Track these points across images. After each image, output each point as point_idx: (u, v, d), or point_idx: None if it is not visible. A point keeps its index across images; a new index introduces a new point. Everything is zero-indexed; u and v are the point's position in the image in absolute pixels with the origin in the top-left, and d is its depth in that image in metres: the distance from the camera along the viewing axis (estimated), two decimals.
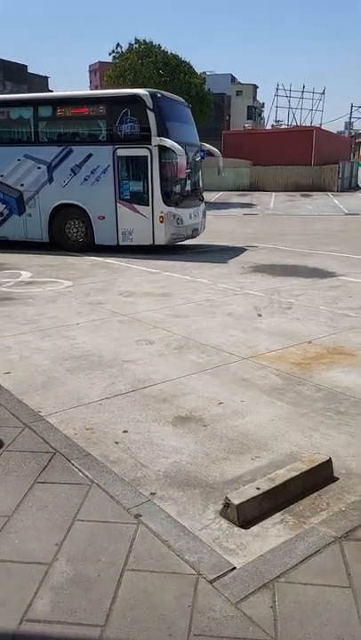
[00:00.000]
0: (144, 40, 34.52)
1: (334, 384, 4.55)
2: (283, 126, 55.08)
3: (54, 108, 11.81)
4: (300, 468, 2.98)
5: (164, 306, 7.14)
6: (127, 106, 11.03)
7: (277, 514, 2.77)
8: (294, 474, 2.92)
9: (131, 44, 34.66)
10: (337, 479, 3.12)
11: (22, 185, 12.00)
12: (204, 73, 37.17)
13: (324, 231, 17.06)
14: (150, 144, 10.85)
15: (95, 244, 11.70)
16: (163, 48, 34.17)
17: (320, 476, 3.06)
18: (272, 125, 59.89)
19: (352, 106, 71.61)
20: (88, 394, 4.30)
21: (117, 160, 11.21)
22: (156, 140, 10.83)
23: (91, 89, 57.63)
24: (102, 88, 38.03)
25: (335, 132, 53.13)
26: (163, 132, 10.88)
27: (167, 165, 11.12)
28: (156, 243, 11.39)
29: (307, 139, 36.52)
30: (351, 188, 35.75)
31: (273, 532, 2.63)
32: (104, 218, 11.55)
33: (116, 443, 3.51)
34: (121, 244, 11.58)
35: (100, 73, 48.87)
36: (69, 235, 11.99)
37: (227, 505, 2.73)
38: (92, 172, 11.45)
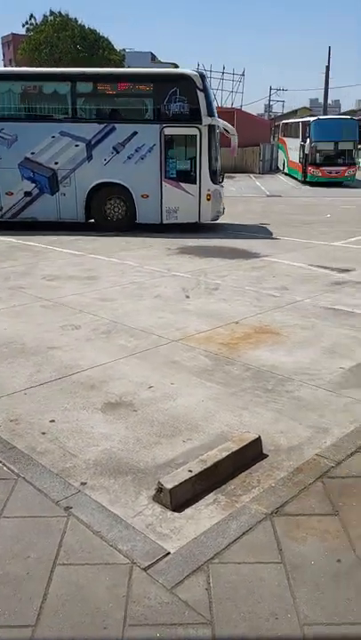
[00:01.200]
0: (59, 12, 33.20)
1: (261, 363, 4.63)
2: None
3: (96, 84, 11.38)
4: (230, 448, 3.00)
5: (91, 289, 6.97)
6: (176, 85, 10.97)
7: (210, 494, 2.78)
8: (225, 454, 2.94)
9: (45, 16, 33.23)
10: (266, 456, 3.18)
11: (56, 163, 11.33)
12: (124, 50, 36.38)
13: (247, 212, 17.31)
14: (200, 124, 10.96)
15: (136, 223, 11.59)
16: (80, 22, 33.04)
17: (250, 455, 3.10)
18: None
19: (271, 88, 72.72)
20: (11, 383, 4.11)
21: (164, 139, 11.15)
22: (207, 120, 11.01)
23: (5, 64, 54.77)
24: (17, 62, 36.27)
25: (256, 114, 53.97)
26: (210, 111, 11.08)
27: (213, 144, 11.35)
28: (202, 220, 11.58)
29: (228, 120, 36.42)
30: (272, 170, 36.54)
31: (206, 514, 2.63)
32: (148, 196, 11.40)
33: (43, 433, 3.38)
34: (165, 222, 11.56)
35: (14, 46, 46.52)
36: (109, 214, 11.70)
37: (159, 490, 2.71)
38: (136, 151, 11.20)
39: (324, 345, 5.09)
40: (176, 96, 10.99)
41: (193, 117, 10.97)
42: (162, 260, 9.02)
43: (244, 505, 2.61)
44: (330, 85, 37.23)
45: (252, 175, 32.49)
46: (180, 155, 11.41)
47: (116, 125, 11.20)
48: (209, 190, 11.39)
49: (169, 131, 11.14)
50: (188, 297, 6.69)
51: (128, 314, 5.92)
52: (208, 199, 11.42)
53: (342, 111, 46.69)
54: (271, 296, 6.79)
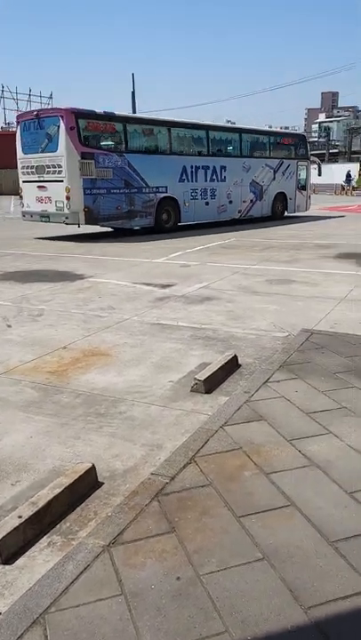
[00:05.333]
0: None
1: (92, 386, 4.56)
2: (14, 129, 53.74)
3: (276, 140, 20.61)
4: (63, 484, 2.86)
5: None
6: (300, 140, 22.05)
7: (44, 537, 2.62)
8: (58, 491, 2.79)
9: None
10: (102, 484, 3.11)
11: (263, 182, 19.61)
12: None
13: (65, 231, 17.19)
14: (308, 160, 22.04)
15: (285, 215, 20.90)
16: None
17: (85, 486, 3.00)
18: (2, 127, 58.18)
19: None
20: None
21: (297, 168, 20.97)
22: (311, 158, 22.91)
23: None
24: None
25: None
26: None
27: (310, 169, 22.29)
28: (306, 210, 22.16)
29: None
30: None
31: (41, 559, 2.47)
32: (291, 198, 21.04)
33: None
34: (294, 214, 21.44)
35: None
36: (277, 210, 20.57)
37: None
38: (289, 174, 20.62)
39: (154, 360, 5.21)
40: (301, 146, 21.52)
41: (305, 157, 21.74)
42: None
43: (80, 542, 2.49)
44: (140, 110, 39.01)
45: None
46: (300, 175, 21.19)
47: (283, 161, 20.29)
48: (309, 194, 22.42)
49: (299, 163, 21.09)
50: (9, 326, 6.34)
51: None
52: (309, 198, 22.40)
53: None
54: (99, 317, 6.76)
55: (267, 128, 21.81)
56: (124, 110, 19.12)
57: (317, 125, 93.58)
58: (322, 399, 4.04)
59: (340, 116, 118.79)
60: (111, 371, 4.94)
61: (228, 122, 25.46)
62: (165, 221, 16.36)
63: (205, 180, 17.36)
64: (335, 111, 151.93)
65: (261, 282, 8.86)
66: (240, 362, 5.05)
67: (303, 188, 21.62)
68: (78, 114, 13.96)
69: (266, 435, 3.49)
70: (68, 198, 13.97)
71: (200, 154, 17.40)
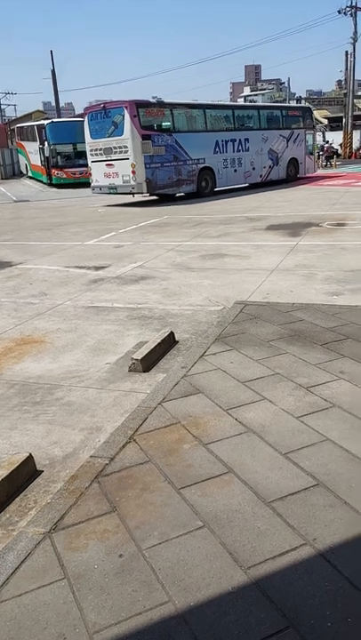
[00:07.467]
0: None
1: (27, 375, 4.46)
2: None
3: (287, 112, 23.62)
4: None
5: None
6: (308, 112, 24.96)
7: None
8: None
9: None
10: (42, 472, 3.07)
11: (278, 150, 22.17)
12: None
13: None
14: (313, 129, 25.16)
15: (298, 177, 23.47)
16: None
17: (23, 476, 2.95)
18: None
19: None
20: None
21: (305, 136, 23.69)
22: (316, 128, 27.19)
23: None
24: None
25: None
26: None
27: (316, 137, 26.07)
28: (315, 171, 25.28)
29: None
30: (16, 174, 35.58)
31: None
32: (301, 163, 23.69)
33: None
34: (304, 175, 23.92)
35: None
36: (290, 173, 23.08)
37: None
38: (299, 142, 23.28)
39: (90, 344, 5.15)
40: (308, 117, 24.36)
41: (311, 126, 24.67)
42: None
43: (20, 531, 2.45)
44: (60, 88, 37.74)
45: None
46: (308, 142, 24.03)
47: (294, 130, 22.99)
48: (315, 157, 25.45)
49: (306, 132, 23.85)
50: None
51: None
52: (315, 162, 25.61)
53: (77, 113, 47.63)
54: (30, 304, 6.59)
55: (280, 104, 26.49)
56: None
57: (243, 99, 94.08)
58: (256, 368, 4.14)
59: (264, 89, 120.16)
60: (45, 358, 4.84)
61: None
62: (205, 187, 19.48)
63: (233, 151, 20.55)
64: (259, 84, 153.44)
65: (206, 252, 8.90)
66: (177, 338, 5.08)
67: (311, 153, 24.90)
68: (139, 104, 17.14)
69: (203, 407, 3.55)
70: (133, 172, 17.09)
71: (229, 129, 20.67)
